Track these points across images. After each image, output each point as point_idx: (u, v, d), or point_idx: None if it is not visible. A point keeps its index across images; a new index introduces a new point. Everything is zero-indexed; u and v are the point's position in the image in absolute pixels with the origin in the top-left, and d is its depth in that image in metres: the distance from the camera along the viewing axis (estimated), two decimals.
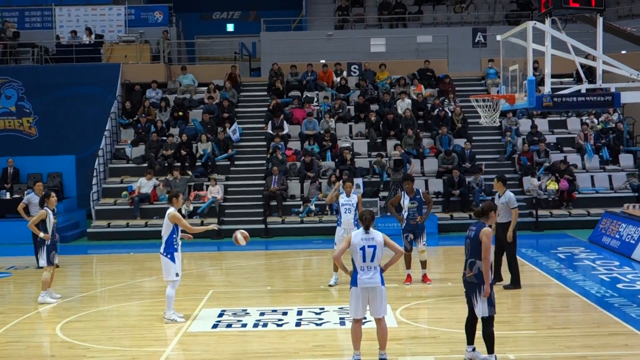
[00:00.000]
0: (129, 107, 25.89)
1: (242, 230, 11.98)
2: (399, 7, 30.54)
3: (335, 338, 10.91)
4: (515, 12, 30.24)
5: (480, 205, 9.61)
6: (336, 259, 9.63)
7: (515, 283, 13.73)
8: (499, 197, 13.79)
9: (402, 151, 22.92)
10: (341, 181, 15.63)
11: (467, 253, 9.25)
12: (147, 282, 15.57)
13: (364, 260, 9.21)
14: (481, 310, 9.09)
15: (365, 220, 9.36)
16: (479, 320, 9.22)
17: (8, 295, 14.72)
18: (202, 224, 21.63)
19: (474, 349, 9.39)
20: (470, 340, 9.44)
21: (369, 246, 9.23)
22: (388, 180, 22.46)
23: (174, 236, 11.67)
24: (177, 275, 11.67)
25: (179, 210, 11.98)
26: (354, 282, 9.25)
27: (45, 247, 13.45)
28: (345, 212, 14.06)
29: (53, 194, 13.90)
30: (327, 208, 21.63)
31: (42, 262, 13.55)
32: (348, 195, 14.15)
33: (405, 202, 14.12)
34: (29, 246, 15.05)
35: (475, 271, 9.07)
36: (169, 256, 11.62)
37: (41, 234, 13.44)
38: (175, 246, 11.66)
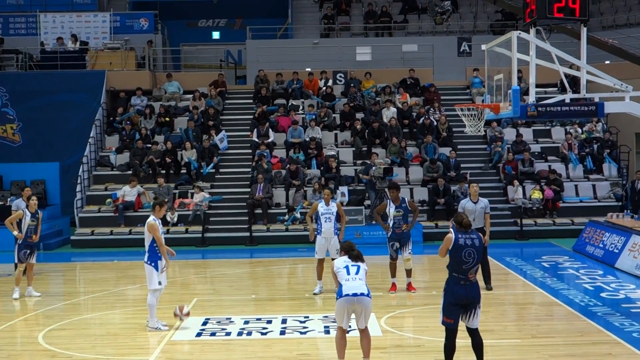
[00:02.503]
0: (121, 112, 25.79)
1: (181, 311, 11.94)
2: (385, 15, 30.59)
3: (320, 347, 10.89)
4: (500, 21, 30.38)
5: (463, 218, 9.03)
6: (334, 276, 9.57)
7: (489, 282, 14.32)
8: (474, 202, 13.83)
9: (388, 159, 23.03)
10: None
11: (472, 262, 8.78)
12: (130, 290, 15.48)
13: (348, 273, 9.28)
14: (479, 319, 8.95)
15: (353, 258, 9.41)
16: (466, 332, 9.08)
17: None
18: (186, 231, 21.64)
19: None
20: None
21: (352, 265, 9.37)
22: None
23: (155, 245, 11.55)
24: (159, 283, 11.58)
25: (163, 218, 11.91)
26: (339, 294, 9.25)
27: (17, 246, 14.50)
28: (325, 221, 14.05)
29: (35, 198, 15.01)
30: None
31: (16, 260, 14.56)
32: (327, 204, 14.15)
33: (391, 210, 14.11)
34: (11, 254, 14.93)
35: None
36: (152, 264, 11.53)
37: (15, 232, 14.52)
38: (159, 254, 11.57)
